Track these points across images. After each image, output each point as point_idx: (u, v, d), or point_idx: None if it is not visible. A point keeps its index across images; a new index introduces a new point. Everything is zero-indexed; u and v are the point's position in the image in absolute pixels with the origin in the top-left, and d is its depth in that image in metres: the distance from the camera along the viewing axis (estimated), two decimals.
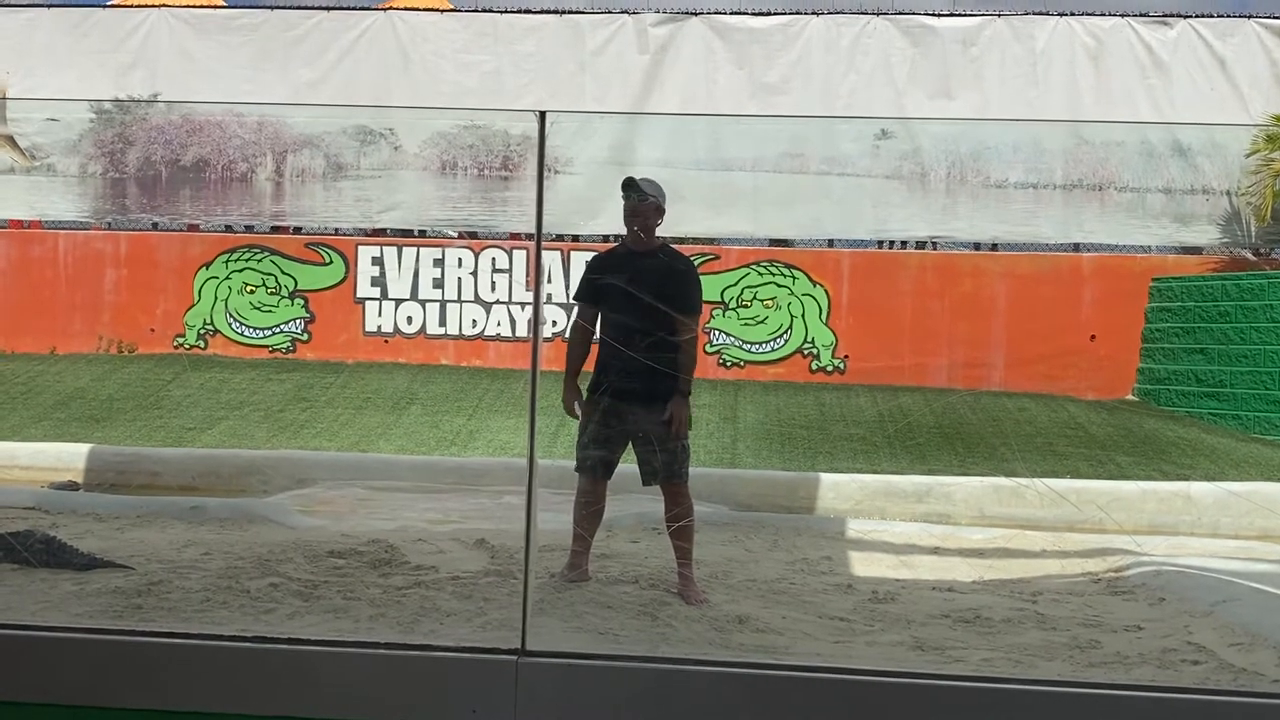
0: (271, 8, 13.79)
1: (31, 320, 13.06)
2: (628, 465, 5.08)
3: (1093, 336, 12.39)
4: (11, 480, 7.98)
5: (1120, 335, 12.31)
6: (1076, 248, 13.01)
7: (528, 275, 12.72)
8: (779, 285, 12.71)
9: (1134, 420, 10.68)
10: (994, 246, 13.09)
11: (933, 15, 13.19)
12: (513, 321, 12.94)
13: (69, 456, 8.49)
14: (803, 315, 12.70)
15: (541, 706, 2.88)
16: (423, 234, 13.29)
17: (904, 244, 13.32)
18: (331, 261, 13.05)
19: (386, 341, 13.00)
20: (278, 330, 13.08)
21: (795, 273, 12.69)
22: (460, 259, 12.95)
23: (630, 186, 4.95)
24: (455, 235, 13.22)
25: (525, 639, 3.06)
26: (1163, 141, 11.96)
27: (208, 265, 13.11)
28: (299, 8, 13.78)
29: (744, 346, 12.70)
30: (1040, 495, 7.11)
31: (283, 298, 13.06)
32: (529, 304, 12.68)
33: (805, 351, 12.68)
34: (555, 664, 2.96)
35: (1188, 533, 7.07)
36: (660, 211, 5.00)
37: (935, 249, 13.17)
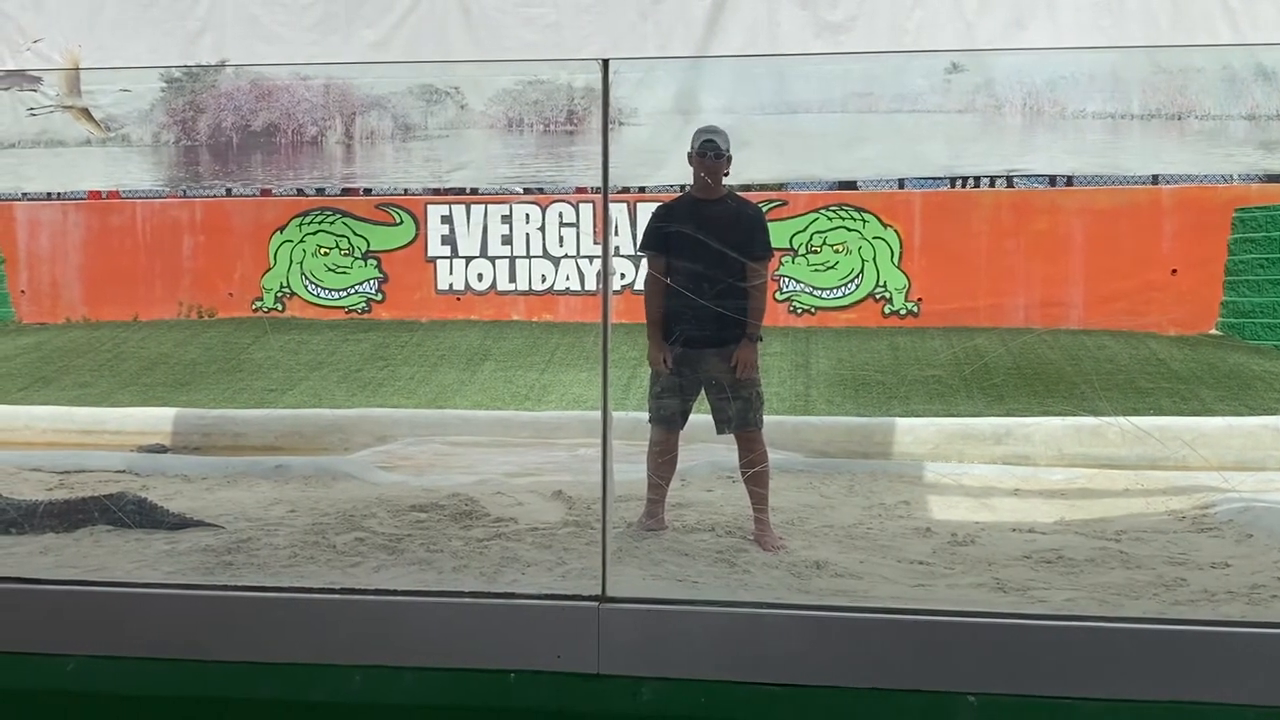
0: None
1: (114, 288, 13.38)
2: (697, 415, 5.09)
3: (1174, 270, 12.07)
4: (102, 445, 8.21)
5: (1202, 268, 11.97)
6: (1155, 179, 12.64)
7: (595, 228, 12.70)
8: (849, 229, 12.53)
9: (1218, 354, 10.41)
10: (1069, 180, 12.75)
11: None
12: (581, 275, 12.95)
13: (156, 421, 8.71)
14: (874, 259, 12.52)
15: (623, 650, 2.91)
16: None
17: (977, 181, 13.03)
18: (402, 221, 13.15)
19: (459, 299, 13.11)
20: (353, 291, 13.25)
21: (865, 216, 12.51)
22: (528, 215, 12.98)
23: (707, 141, 4.96)
24: (521, 191, 13.24)
25: (605, 586, 3.10)
26: (1245, 66, 11.53)
27: (282, 229, 13.29)
28: None
29: (815, 293, 12.58)
30: (1122, 433, 6.98)
31: (356, 259, 13.21)
32: (597, 257, 12.67)
33: (877, 296, 12.53)
34: (635, 610, 2.99)
35: (1275, 468, 6.90)
36: (729, 160, 5.08)
37: (1010, 186, 12.88)
